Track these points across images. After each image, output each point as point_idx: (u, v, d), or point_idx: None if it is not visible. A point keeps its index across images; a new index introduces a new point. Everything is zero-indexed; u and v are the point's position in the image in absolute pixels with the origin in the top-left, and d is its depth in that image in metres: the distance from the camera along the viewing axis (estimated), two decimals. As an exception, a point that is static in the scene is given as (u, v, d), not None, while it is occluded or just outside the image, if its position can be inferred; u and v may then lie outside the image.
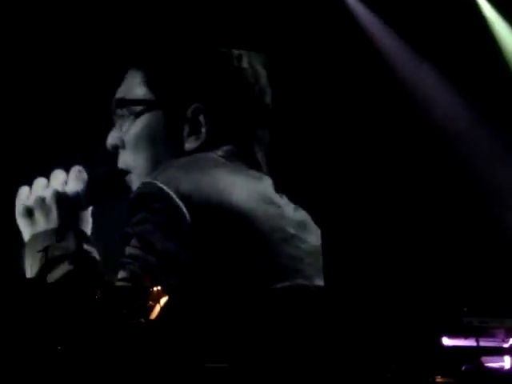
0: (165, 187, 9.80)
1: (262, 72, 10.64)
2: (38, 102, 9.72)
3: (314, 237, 10.47)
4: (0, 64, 9.54)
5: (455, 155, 10.65)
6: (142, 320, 8.50)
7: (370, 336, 9.93)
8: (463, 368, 8.38)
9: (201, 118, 10.26)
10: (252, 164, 10.46)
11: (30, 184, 9.63)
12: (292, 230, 10.35)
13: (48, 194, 9.62)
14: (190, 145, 10.24)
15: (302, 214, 10.44)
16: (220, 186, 10.15)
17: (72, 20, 9.83)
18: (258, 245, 10.19)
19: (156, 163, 10.03)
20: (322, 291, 10.44)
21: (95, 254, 9.60)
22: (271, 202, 10.33)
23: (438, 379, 8.45)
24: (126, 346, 8.18)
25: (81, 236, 9.63)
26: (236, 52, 10.53)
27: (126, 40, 10.12)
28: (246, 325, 9.77)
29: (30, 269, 9.33)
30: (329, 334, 9.98)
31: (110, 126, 10.03)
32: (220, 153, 10.34)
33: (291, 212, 10.42)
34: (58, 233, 9.39)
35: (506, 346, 8.58)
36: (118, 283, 9.35)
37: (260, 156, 10.54)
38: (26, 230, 9.56)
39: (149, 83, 10.15)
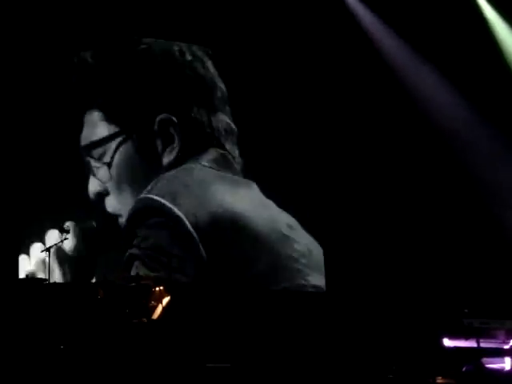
0: (161, 199, 9.77)
1: (208, 61, 10.54)
2: (14, 171, 9.68)
3: (304, 237, 10.50)
4: None
5: (455, 156, 10.65)
6: (145, 320, 8.52)
7: (371, 337, 9.95)
8: (464, 369, 8.39)
9: (170, 128, 10.19)
10: (234, 167, 10.43)
11: (27, 252, 9.62)
12: (286, 232, 10.38)
13: (46, 254, 9.35)
14: (167, 158, 10.16)
15: (289, 217, 10.50)
16: (215, 195, 10.16)
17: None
18: (257, 247, 10.22)
19: (141, 192, 9.96)
20: (321, 291, 10.48)
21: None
22: (263, 206, 10.37)
23: (439, 380, 8.47)
24: (129, 345, 8.19)
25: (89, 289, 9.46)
26: (176, 49, 10.39)
27: (72, 84, 10.00)
28: (248, 325, 9.79)
29: None
30: (330, 334, 10.00)
31: (87, 176, 9.96)
32: (205, 162, 10.30)
33: (279, 214, 10.46)
34: None
35: (506, 347, 8.58)
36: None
37: (230, 147, 10.40)
38: None
39: (107, 117, 10.04)
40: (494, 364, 8.49)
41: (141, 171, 10.03)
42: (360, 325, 10.13)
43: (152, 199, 9.77)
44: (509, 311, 8.99)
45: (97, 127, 10.00)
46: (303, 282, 10.36)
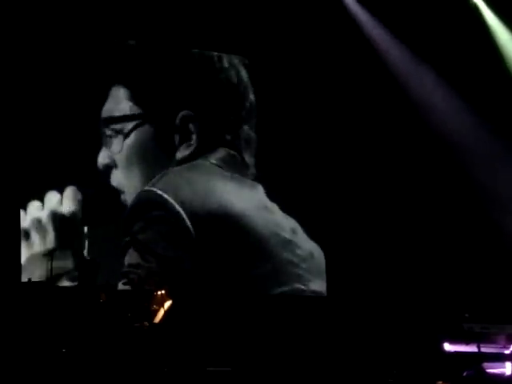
0: (164, 194, 9.82)
1: (243, 71, 10.64)
2: (27, 126, 9.65)
3: (306, 242, 10.52)
4: None
5: (457, 162, 10.68)
6: (146, 324, 8.53)
7: (371, 341, 9.96)
8: (464, 374, 8.35)
9: (190, 125, 10.27)
10: (242, 168, 10.47)
11: (24, 207, 9.58)
12: (288, 236, 10.40)
13: (43, 215, 9.56)
14: (181, 153, 10.22)
15: (291, 220, 10.52)
16: (219, 194, 10.19)
17: (55, 40, 9.81)
18: (256, 250, 10.24)
19: (148, 178, 10.00)
20: (320, 296, 10.48)
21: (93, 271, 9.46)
22: (266, 209, 10.39)
23: (439, 385, 8.48)
24: (130, 349, 8.20)
25: (78, 254, 9.57)
26: (216, 53, 10.51)
27: (107, 57, 10.04)
28: (249, 329, 9.80)
29: None
30: (331, 338, 10.02)
31: (99, 146, 9.96)
32: (213, 160, 10.34)
33: (284, 218, 10.48)
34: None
35: (507, 352, 8.59)
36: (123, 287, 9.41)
37: (248, 157, 10.52)
38: (23, 252, 9.47)
39: (134, 97, 10.10)
40: (494, 369, 8.47)
41: (152, 156, 10.10)
42: (361, 329, 10.14)
43: (155, 193, 9.83)
44: (509, 316, 8.99)
45: (120, 103, 10.08)
46: (302, 287, 10.38)
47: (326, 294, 10.52)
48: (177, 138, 10.22)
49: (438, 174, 10.85)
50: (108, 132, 9.99)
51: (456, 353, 8.67)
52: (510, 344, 8.65)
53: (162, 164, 10.13)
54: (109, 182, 9.94)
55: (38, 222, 9.56)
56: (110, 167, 9.96)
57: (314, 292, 10.42)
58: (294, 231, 10.46)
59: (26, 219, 9.52)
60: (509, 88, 10.63)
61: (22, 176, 9.57)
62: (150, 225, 9.78)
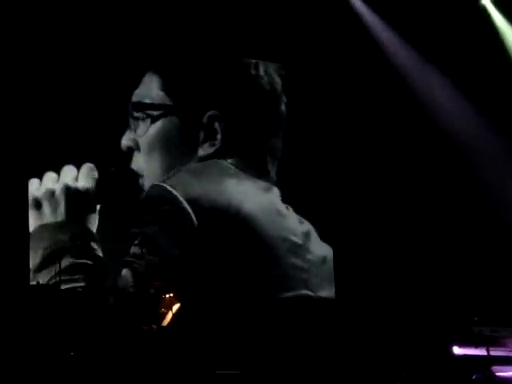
0: (173, 190, 9.87)
1: (278, 80, 10.70)
2: (56, 97, 9.71)
3: (319, 247, 10.50)
4: (28, 56, 9.58)
5: (463, 161, 10.67)
6: (154, 326, 8.53)
7: (381, 344, 9.94)
8: (474, 377, 8.37)
9: (216, 124, 10.33)
10: (262, 173, 10.49)
11: (40, 177, 9.62)
12: (299, 241, 10.38)
13: (58, 187, 9.62)
14: (204, 151, 10.29)
15: (306, 225, 10.49)
16: (229, 194, 10.19)
17: (94, 20, 9.84)
18: (263, 254, 10.23)
19: (169, 168, 10.08)
20: (326, 301, 10.45)
21: (99, 251, 9.62)
22: (278, 213, 10.37)
23: (449, 388, 8.47)
24: (138, 352, 8.20)
25: (86, 232, 9.64)
26: (253, 60, 10.58)
27: (144, 44, 10.12)
28: (253, 333, 9.78)
29: (33, 260, 9.35)
30: (340, 342, 9.99)
31: (124, 127, 10.05)
32: (231, 161, 10.38)
33: (297, 223, 10.46)
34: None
35: (516, 355, 8.58)
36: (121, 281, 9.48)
37: (270, 165, 10.57)
38: (33, 221, 9.50)
39: (166, 88, 10.18)
40: (504, 372, 8.47)
41: (175, 147, 10.17)
42: (370, 332, 10.12)
43: (165, 189, 9.86)
44: (519, 319, 8.99)
45: (152, 91, 10.14)
46: (309, 293, 10.35)
47: (332, 299, 10.47)
48: (201, 135, 10.27)
49: (447, 176, 10.83)
50: (135, 115, 10.07)
51: (465, 356, 8.65)
52: (519, 347, 8.65)
53: (183, 157, 10.19)
54: (129, 164, 10.01)
55: (51, 194, 9.61)
56: (132, 150, 10.04)
57: (321, 298, 10.39)
58: (306, 236, 10.43)
59: (40, 189, 9.57)
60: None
61: (42, 146, 9.60)
62: (158, 219, 9.83)
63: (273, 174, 10.54)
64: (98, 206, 9.76)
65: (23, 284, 9.14)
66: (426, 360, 9.18)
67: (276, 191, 10.45)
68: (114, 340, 8.14)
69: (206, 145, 10.29)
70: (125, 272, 9.54)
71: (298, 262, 10.33)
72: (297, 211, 10.44)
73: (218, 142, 10.32)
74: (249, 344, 9.63)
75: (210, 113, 10.30)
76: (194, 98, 10.25)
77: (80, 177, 9.73)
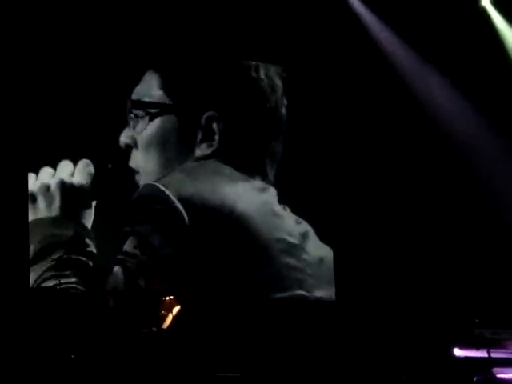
0: (166, 190, 9.87)
1: (279, 83, 10.69)
2: (56, 92, 9.69)
3: (316, 248, 10.49)
4: (27, 53, 9.55)
5: (463, 161, 10.67)
6: (155, 329, 8.52)
7: (381, 346, 9.93)
8: (475, 379, 8.36)
9: (214, 125, 10.32)
10: (258, 174, 10.49)
11: (37, 172, 9.59)
12: (295, 241, 10.37)
13: (53, 182, 9.59)
14: (201, 151, 10.28)
15: (304, 225, 10.48)
16: (222, 193, 10.19)
17: (96, 17, 9.84)
18: (256, 253, 10.22)
19: (165, 166, 10.06)
20: (330, 301, 10.45)
21: (93, 247, 9.59)
22: (273, 213, 10.36)
23: (450, 390, 8.46)
24: (139, 354, 8.19)
25: (81, 228, 9.60)
26: (254, 62, 10.58)
27: (146, 42, 10.12)
28: (259, 335, 9.78)
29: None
30: (341, 343, 9.99)
31: (123, 124, 10.01)
32: (228, 161, 10.37)
33: (293, 223, 10.45)
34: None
35: (517, 357, 8.57)
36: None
37: (269, 168, 10.56)
38: (28, 216, 9.45)
39: (165, 87, 10.17)
40: (505, 374, 8.46)
41: (173, 146, 10.15)
42: (370, 333, 10.11)
43: (158, 188, 9.86)
44: (520, 321, 8.98)
45: (152, 90, 10.14)
46: (304, 293, 10.33)
47: (333, 300, 10.45)
48: (199, 135, 10.26)
49: (447, 177, 10.83)
50: (134, 113, 10.05)
51: (466, 358, 8.64)
52: (520, 349, 8.64)
53: (181, 156, 10.18)
54: (127, 161, 9.98)
55: (46, 188, 9.58)
56: (130, 147, 10.00)
57: (317, 299, 10.38)
58: (303, 236, 10.42)
59: (35, 183, 9.54)
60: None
61: (39, 140, 9.58)
62: (150, 218, 9.82)
63: (271, 176, 10.53)
64: (94, 202, 9.73)
65: (23, 286, 9.14)
66: (427, 362, 9.18)
67: (272, 191, 10.44)
68: (115, 343, 8.13)
69: (204, 145, 10.28)
70: (116, 269, 9.54)
71: (292, 261, 10.31)
72: (294, 212, 10.42)
73: (215, 143, 10.31)
74: (247, 345, 9.62)
75: (208, 113, 10.30)
76: (193, 98, 10.25)
77: (76, 172, 9.70)
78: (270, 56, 10.66)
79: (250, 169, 10.44)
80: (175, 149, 10.16)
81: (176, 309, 8.79)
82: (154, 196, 9.86)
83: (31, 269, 9.26)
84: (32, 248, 9.34)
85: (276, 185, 10.46)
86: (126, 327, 8.33)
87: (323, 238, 10.54)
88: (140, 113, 10.07)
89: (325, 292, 10.43)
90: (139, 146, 10.03)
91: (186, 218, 9.86)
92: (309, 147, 10.78)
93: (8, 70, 9.38)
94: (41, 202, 9.54)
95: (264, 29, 10.49)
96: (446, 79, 10.79)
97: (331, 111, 10.94)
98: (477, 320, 8.75)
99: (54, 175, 9.63)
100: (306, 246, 10.43)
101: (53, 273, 9.07)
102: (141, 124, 10.06)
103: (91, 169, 9.75)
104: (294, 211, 10.44)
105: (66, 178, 9.65)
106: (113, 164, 9.85)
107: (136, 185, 9.96)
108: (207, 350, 9.07)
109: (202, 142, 10.27)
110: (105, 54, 9.97)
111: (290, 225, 10.42)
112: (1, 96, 9.34)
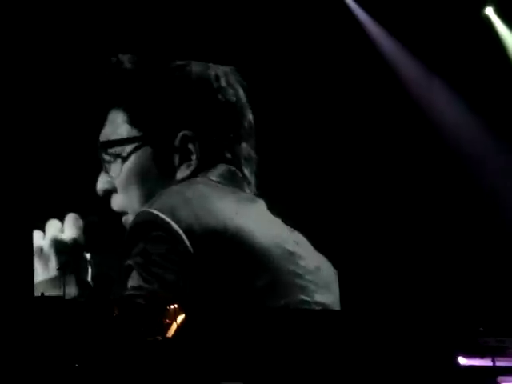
0: (160, 214, 9.77)
1: (240, 89, 10.66)
2: (24, 156, 9.56)
3: (311, 255, 10.48)
4: None
5: (468, 172, 10.68)
6: (159, 337, 8.51)
7: (385, 354, 9.92)
8: (480, 388, 8.37)
9: (190, 145, 10.25)
10: (243, 185, 10.47)
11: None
12: (290, 248, 10.36)
13: (45, 243, 9.50)
14: (181, 173, 10.19)
15: (296, 234, 10.44)
16: (216, 210, 10.12)
17: (51, 65, 9.79)
18: (257, 263, 10.20)
19: (151, 197, 9.94)
20: (333, 310, 10.44)
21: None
22: (267, 222, 10.36)
23: (455, 399, 8.45)
24: (143, 363, 8.18)
25: (80, 282, 9.54)
26: (212, 73, 10.50)
27: (103, 82, 10.01)
28: (262, 344, 9.76)
29: None
30: (343, 352, 9.97)
31: (99, 171, 9.91)
32: (212, 177, 10.33)
33: (287, 231, 10.44)
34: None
35: (522, 366, 8.56)
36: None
37: (249, 176, 10.53)
38: None
39: (132, 120, 10.07)
40: (509, 383, 8.45)
41: (153, 177, 10.07)
42: (374, 342, 10.10)
43: (151, 213, 9.80)
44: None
45: (119, 128, 10.05)
46: (306, 298, 10.32)
47: (332, 307, 10.43)
48: (176, 158, 10.20)
49: (450, 186, 10.83)
50: (107, 157, 9.95)
51: (471, 366, 8.63)
52: (525, 358, 8.62)
53: (163, 185, 10.08)
54: (109, 206, 9.89)
55: (40, 251, 9.52)
56: (109, 192, 9.91)
57: (317, 303, 10.37)
58: (297, 243, 10.42)
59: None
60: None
61: (24, 206, 9.48)
62: (149, 246, 9.74)
63: (253, 183, 10.50)
64: (89, 255, 9.68)
65: (28, 295, 9.13)
66: (432, 370, 9.17)
67: (262, 203, 10.43)
68: (119, 351, 8.11)
69: (183, 167, 10.21)
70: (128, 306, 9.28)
71: (292, 268, 10.31)
72: (286, 222, 10.42)
73: (193, 162, 10.25)
74: (251, 354, 9.61)
75: (181, 134, 10.22)
76: (162, 123, 10.16)
77: (65, 228, 9.62)
78: (269, 57, 10.61)
79: (233, 181, 10.42)
80: (155, 178, 10.06)
81: (180, 317, 8.77)
82: (150, 222, 9.76)
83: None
84: None
85: (262, 194, 10.46)
86: (130, 336, 8.31)
87: (318, 246, 10.52)
88: (111, 157, 9.95)
89: (325, 298, 10.42)
90: (118, 189, 9.92)
91: (186, 239, 9.80)
92: (284, 151, 10.73)
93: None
94: (37, 266, 9.46)
95: (224, 30, 10.42)
96: (449, 86, 10.82)
97: (331, 112, 10.94)
98: (481, 328, 8.75)
99: (44, 236, 9.53)
100: (301, 253, 10.43)
101: None
102: (115, 167, 9.94)
103: (80, 222, 9.66)
104: (284, 221, 10.42)
105: (56, 236, 9.55)
106: (97, 215, 9.76)
107: (124, 226, 9.83)
108: (211, 359, 9.07)
109: (180, 164, 10.21)
110: (67, 103, 9.81)
111: (284, 232, 10.43)
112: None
